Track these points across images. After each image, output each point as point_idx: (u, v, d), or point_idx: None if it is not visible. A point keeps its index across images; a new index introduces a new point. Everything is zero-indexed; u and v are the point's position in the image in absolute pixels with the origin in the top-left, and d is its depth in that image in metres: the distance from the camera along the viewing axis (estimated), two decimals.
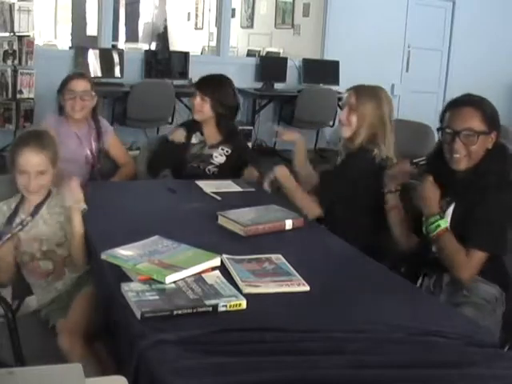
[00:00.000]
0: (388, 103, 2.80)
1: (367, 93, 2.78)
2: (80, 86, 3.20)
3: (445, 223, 2.26)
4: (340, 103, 2.85)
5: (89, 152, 3.25)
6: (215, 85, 3.32)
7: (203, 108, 3.28)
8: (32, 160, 2.30)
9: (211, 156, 3.33)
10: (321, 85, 7.64)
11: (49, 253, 2.35)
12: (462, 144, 2.23)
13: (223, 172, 3.27)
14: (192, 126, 3.40)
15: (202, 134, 3.37)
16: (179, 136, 3.33)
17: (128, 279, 1.83)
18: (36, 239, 2.35)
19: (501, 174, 2.25)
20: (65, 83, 3.23)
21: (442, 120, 2.33)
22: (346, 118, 2.77)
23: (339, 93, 7.56)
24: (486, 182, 2.23)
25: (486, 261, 2.21)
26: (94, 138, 3.27)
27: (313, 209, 2.61)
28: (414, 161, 2.60)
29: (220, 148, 3.34)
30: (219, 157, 3.32)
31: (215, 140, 3.36)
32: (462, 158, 2.25)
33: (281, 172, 2.74)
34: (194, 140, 3.37)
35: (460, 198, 2.29)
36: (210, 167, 3.32)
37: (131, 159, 3.45)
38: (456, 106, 2.30)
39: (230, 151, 3.33)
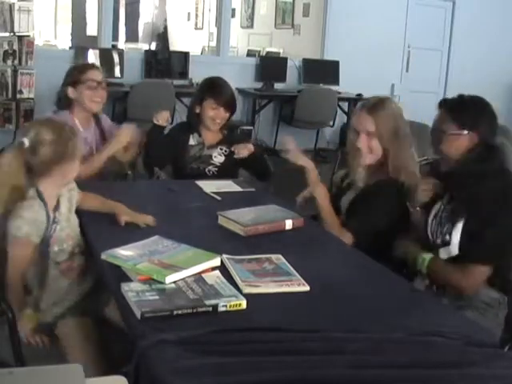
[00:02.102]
0: (401, 116, 2.62)
1: (381, 110, 2.56)
2: (99, 75, 3.12)
3: (428, 256, 2.29)
4: (353, 123, 2.66)
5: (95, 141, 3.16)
6: (233, 96, 3.37)
7: (224, 117, 3.34)
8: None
9: (210, 156, 3.33)
10: (321, 85, 7.64)
11: (81, 246, 2.30)
12: (435, 143, 2.32)
13: (223, 171, 3.28)
14: (189, 127, 3.40)
15: (199, 135, 3.37)
16: (164, 118, 3.29)
17: (128, 279, 1.83)
18: (69, 235, 2.28)
19: (501, 180, 2.24)
20: (80, 73, 3.09)
21: None
22: (366, 146, 2.56)
23: (339, 93, 7.58)
24: (490, 189, 2.22)
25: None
26: (98, 138, 3.19)
27: (344, 236, 2.48)
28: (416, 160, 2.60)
29: (219, 148, 3.35)
30: (218, 157, 3.33)
31: (213, 140, 3.36)
32: (442, 159, 2.33)
33: (319, 191, 2.63)
34: (191, 141, 3.37)
35: (469, 211, 2.25)
36: (209, 167, 3.32)
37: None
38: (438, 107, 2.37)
39: (228, 150, 3.33)
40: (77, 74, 3.11)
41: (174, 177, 3.38)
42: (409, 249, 2.39)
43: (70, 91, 3.08)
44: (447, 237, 2.28)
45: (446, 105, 2.35)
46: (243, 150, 3.22)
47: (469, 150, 2.27)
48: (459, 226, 2.25)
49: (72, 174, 2.27)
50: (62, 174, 2.21)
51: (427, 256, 2.29)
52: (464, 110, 2.30)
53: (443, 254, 2.29)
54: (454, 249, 2.26)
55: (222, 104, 3.30)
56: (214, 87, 3.35)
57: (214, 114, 3.30)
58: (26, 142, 2.14)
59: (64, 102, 3.12)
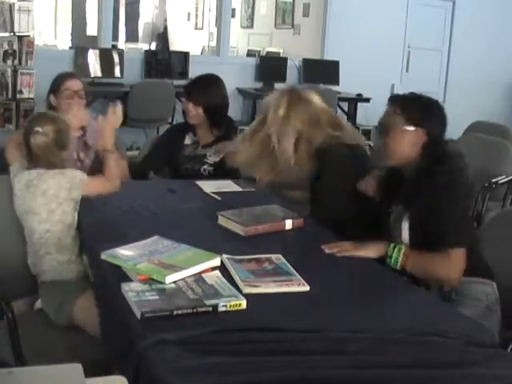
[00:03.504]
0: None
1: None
2: (77, 85, 3.14)
3: (403, 248, 2.21)
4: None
5: (80, 155, 3.13)
6: (203, 89, 3.31)
7: (196, 113, 3.28)
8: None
9: (205, 156, 3.32)
10: (321, 85, 7.63)
11: None
12: (381, 137, 2.31)
13: (219, 171, 3.25)
14: (185, 127, 3.41)
15: (194, 134, 3.38)
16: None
17: (128, 279, 1.83)
18: None
19: (440, 172, 2.22)
20: (59, 83, 3.14)
21: None
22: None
23: (339, 93, 7.57)
24: (428, 183, 2.20)
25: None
26: (83, 142, 3.14)
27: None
28: None
29: (213, 147, 3.34)
30: (213, 156, 3.32)
31: (208, 139, 3.35)
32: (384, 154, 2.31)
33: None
34: (187, 141, 3.37)
35: (411, 208, 2.26)
36: (204, 167, 3.31)
37: (123, 158, 3.21)
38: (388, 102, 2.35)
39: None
40: (56, 82, 3.16)
41: (170, 178, 3.38)
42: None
43: (52, 99, 3.15)
44: (399, 239, 2.29)
45: (395, 100, 2.33)
46: (221, 151, 3.23)
47: (421, 148, 2.25)
48: (405, 228, 2.26)
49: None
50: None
51: (402, 249, 2.21)
52: (412, 105, 2.28)
53: None
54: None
55: (187, 97, 3.31)
56: (187, 84, 3.40)
57: (184, 108, 3.33)
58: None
59: (50, 109, 3.14)
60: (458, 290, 2.22)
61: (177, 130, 3.51)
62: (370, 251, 2.22)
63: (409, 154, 2.26)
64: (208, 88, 3.33)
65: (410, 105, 2.29)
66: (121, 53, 6.90)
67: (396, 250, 2.20)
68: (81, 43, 10.26)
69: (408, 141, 2.26)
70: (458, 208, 2.20)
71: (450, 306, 2.14)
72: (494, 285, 2.27)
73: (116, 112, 2.76)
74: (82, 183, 2.43)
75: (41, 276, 2.44)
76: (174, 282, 1.79)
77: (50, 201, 2.38)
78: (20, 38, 5.86)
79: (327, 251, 2.21)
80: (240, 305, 1.71)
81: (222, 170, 3.23)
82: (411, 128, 2.25)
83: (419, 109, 2.28)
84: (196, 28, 12.73)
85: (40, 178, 2.39)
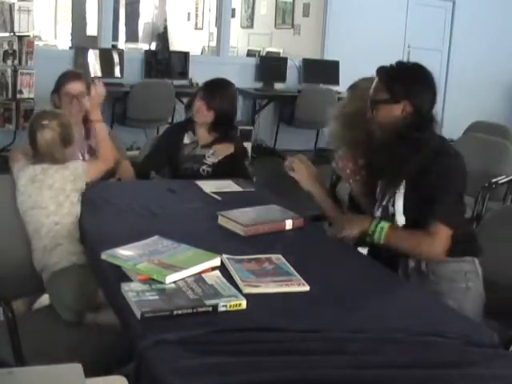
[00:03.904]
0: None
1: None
2: (75, 88, 3.13)
3: (386, 224, 2.20)
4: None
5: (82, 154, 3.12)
6: (221, 95, 3.30)
7: (206, 114, 3.26)
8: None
9: (204, 156, 3.32)
10: (321, 85, 7.64)
11: None
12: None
13: (218, 171, 3.25)
14: (185, 126, 3.40)
15: (194, 133, 3.38)
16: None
17: (128, 279, 1.83)
18: None
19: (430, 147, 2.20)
20: (60, 83, 3.15)
21: None
22: None
23: (339, 93, 7.57)
24: (422, 157, 2.18)
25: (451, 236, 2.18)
26: (84, 139, 3.15)
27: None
28: None
29: (213, 148, 3.34)
30: (212, 157, 3.32)
31: (208, 140, 3.35)
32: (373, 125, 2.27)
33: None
34: (186, 140, 3.37)
35: (412, 182, 2.22)
36: (203, 167, 3.31)
37: (124, 157, 3.30)
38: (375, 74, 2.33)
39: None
40: (59, 83, 3.17)
41: (169, 178, 3.38)
42: (354, 223, 2.30)
43: (56, 99, 3.17)
44: (391, 208, 2.26)
45: (380, 72, 2.30)
46: (219, 154, 3.22)
47: (402, 119, 2.22)
48: (400, 196, 2.23)
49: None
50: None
51: (385, 225, 2.20)
52: (397, 78, 2.26)
53: None
54: (401, 218, 2.24)
55: (203, 92, 3.30)
56: (208, 83, 3.39)
57: (196, 105, 3.29)
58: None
59: (55, 107, 3.16)
60: (435, 270, 2.22)
61: (176, 129, 3.51)
62: (355, 228, 2.25)
63: (395, 124, 2.24)
64: (226, 95, 3.33)
65: (395, 78, 2.26)
66: (121, 53, 6.91)
67: (379, 226, 2.20)
68: (81, 43, 10.26)
69: (393, 113, 2.23)
70: (451, 187, 2.20)
71: (428, 286, 2.15)
72: (476, 260, 2.25)
73: (97, 89, 3.02)
74: (84, 173, 2.59)
75: (51, 268, 2.39)
76: (174, 282, 1.79)
77: (58, 194, 2.47)
78: (20, 37, 5.87)
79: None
80: (240, 305, 1.71)
81: (220, 172, 3.23)
82: (395, 102, 2.23)
83: (403, 81, 2.24)
84: (196, 28, 12.74)
85: (45, 173, 2.49)
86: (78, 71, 3.73)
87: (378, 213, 2.31)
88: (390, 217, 2.27)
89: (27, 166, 2.53)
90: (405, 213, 2.24)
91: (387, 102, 2.24)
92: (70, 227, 2.47)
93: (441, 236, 2.17)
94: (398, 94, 2.23)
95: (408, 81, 2.25)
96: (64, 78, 3.20)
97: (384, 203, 2.30)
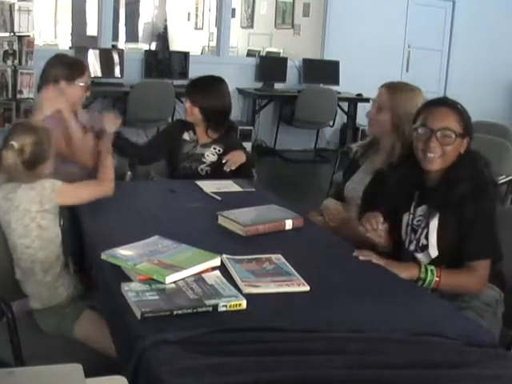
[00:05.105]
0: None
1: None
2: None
3: (433, 272, 2.18)
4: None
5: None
6: (203, 90, 3.31)
7: (193, 112, 3.29)
8: None
9: (203, 155, 3.33)
10: (321, 85, 7.64)
11: None
12: (439, 143, 2.20)
13: (216, 171, 3.25)
14: (188, 123, 3.42)
15: (194, 132, 3.38)
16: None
17: (128, 279, 1.83)
18: None
19: (475, 181, 2.22)
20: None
21: (415, 120, 2.29)
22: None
23: (339, 93, 7.58)
24: (462, 191, 2.19)
25: None
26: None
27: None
28: None
29: (212, 147, 3.34)
30: (211, 156, 3.32)
31: (207, 139, 3.36)
32: (437, 158, 2.21)
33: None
34: (185, 136, 3.38)
35: (441, 211, 2.24)
36: (202, 166, 3.31)
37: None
38: (433, 105, 2.28)
39: (222, 150, 3.32)
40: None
41: (169, 177, 3.39)
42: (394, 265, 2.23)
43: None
44: (424, 240, 2.26)
45: (449, 104, 2.27)
46: (233, 163, 3.21)
47: (461, 156, 2.24)
48: (433, 228, 2.24)
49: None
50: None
51: (432, 273, 2.18)
52: (464, 112, 2.25)
53: (423, 258, 2.27)
54: (434, 250, 2.25)
55: (187, 95, 3.35)
56: (190, 83, 3.46)
57: (184, 105, 3.38)
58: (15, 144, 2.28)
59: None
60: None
61: (179, 124, 3.55)
62: (402, 272, 2.15)
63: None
64: (208, 90, 3.32)
65: (462, 112, 2.25)
66: (121, 53, 6.91)
67: (429, 272, 2.18)
68: (81, 43, 10.27)
69: (459, 149, 2.24)
70: (485, 218, 2.21)
71: (460, 306, 2.17)
72: (501, 293, 2.28)
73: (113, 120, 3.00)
74: (53, 193, 2.28)
75: (31, 303, 2.31)
76: (174, 282, 1.79)
77: (23, 215, 2.25)
78: (20, 37, 5.87)
79: (361, 258, 2.17)
80: (240, 305, 1.71)
81: (219, 171, 3.23)
82: (466, 139, 2.25)
83: (468, 117, 2.26)
84: (196, 28, 12.75)
85: (15, 192, 2.26)
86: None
87: (412, 246, 2.30)
88: (421, 250, 2.27)
89: (4, 182, 2.31)
90: (437, 245, 2.25)
91: (459, 136, 2.21)
92: (41, 252, 2.27)
93: (485, 272, 2.20)
94: (467, 129, 2.23)
95: (469, 118, 2.26)
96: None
97: (417, 236, 2.29)
